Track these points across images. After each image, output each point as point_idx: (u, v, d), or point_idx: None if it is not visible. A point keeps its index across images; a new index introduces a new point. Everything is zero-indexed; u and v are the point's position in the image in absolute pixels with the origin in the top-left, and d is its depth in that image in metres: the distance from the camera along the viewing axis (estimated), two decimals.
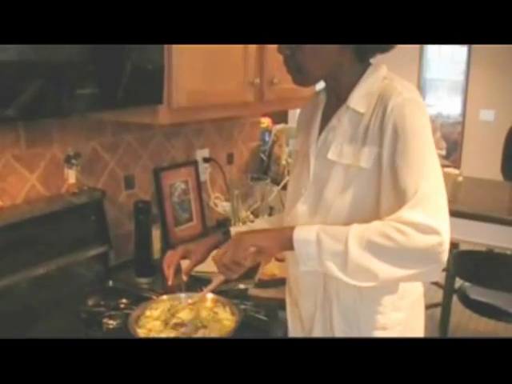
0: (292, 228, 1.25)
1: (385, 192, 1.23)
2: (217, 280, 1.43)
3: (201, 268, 1.74)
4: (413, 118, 1.21)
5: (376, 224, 1.18)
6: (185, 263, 1.55)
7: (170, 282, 1.52)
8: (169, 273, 1.52)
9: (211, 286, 1.47)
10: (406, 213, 1.15)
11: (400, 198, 1.18)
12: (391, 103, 1.23)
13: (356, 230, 1.18)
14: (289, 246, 1.24)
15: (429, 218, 1.13)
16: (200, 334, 1.47)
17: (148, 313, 1.57)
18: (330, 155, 1.32)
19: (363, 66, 1.34)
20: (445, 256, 1.14)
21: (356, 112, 1.30)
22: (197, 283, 1.70)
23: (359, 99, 1.31)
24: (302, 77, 1.33)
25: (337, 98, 1.37)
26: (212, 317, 1.56)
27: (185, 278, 1.53)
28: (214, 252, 1.42)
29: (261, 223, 1.64)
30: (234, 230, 1.57)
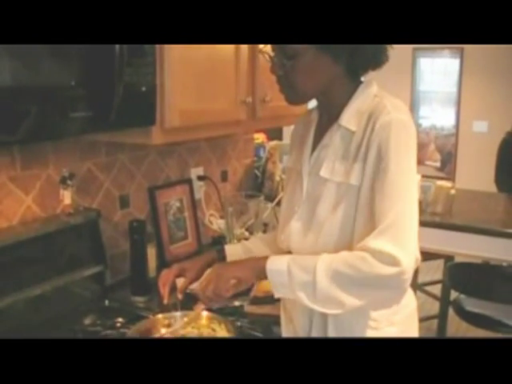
0: (266, 258, 1.30)
1: (361, 209, 1.26)
2: (198, 309, 1.52)
3: (196, 286, 1.75)
4: (397, 140, 1.23)
5: (343, 254, 1.22)
6: (180, 281, 1.56)
7: (165, 301, 1.53)
8: (164, 291, 1.53)
9: (193, 314, 1.56)
10: (371, 240, 1.19)
11: (372, 220, 1.22)
12: (379, 121, 1.25)
13: (323, 261, 1.22)
14: (263, 275, 1.29)
15: (392, 247, 1.17)
16: None
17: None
18: (323, 173, 1.34)
19: (354, 83, 1.36)
20: (406, 284, 1.20)
21: (347, 130, 1.32)
22: (192, 301, 1.71)
23: (350, 117, 1.33)
24: (294, 95, 1.35)
25: (329, 116, 1.39)
26: (210, 334, 1.57)
27: (180, 296, 1.54)
28: (207, 271, 1.45)
29: (255, 241, 1.65)
30: (228, 247, 1.59)
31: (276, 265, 1.27)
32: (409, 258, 1.18)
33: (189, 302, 1.68)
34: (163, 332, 1.57)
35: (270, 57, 1.34)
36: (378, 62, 1.33)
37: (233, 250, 1.59)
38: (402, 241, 1.19)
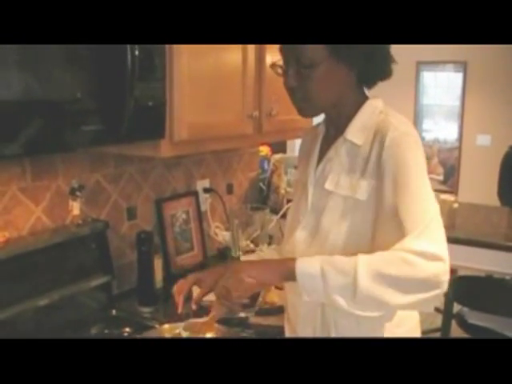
0: (294, 260, 1.25)
1: (383, 224, 1.27)
2: (219, 311, 1.46)
3: (210, 297, 1.77)
4: (410, 154, 1.26)
5: (383, 254, 1.19)
6: (196, 291, 1.56)
7: (179, 310, 1.52)
8: (179, 300, 1.51)
9: (212, 316, 1.50)
10: (411, 242, 1.18)
11: (400, 229, 1.22)
12: (388, 138, 1.27)
13: (364, 262, 1.18)
14: (291, 277, 1.24)
15: (434, 246, 1.17)
16: None
17: None
18: (327, 185, 1.37)
19: (362, 97, 1.39)
20: (446, 283, 1.17)
21: (353, 144, 1.35)
22: (205, 312, 1.74)
23: (356, 131, 1.35)
24: (308, 107, 1.36)
25: (335, 130, 1.42)
26: None
27: (194, 306, 1.54)
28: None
29: (271, 252, 1.66)
30: (244, 258, 1.60)
31: (307, 268, 1.23)
32: (446, 253, 1.18)
33: (200, 312, 1.71)
34: None
35: (282, 69, 1.36)
36: (386, 72, 1.36)
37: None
38: (439, 240, 1.19)
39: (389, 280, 1.17)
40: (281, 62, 1.36)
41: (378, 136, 1.30)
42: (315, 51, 1.28)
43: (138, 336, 1.62)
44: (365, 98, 1.40)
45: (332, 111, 1.41)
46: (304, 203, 1.44)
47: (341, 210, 1.33)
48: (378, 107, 1.37)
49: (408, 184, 1.24)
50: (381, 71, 1.36)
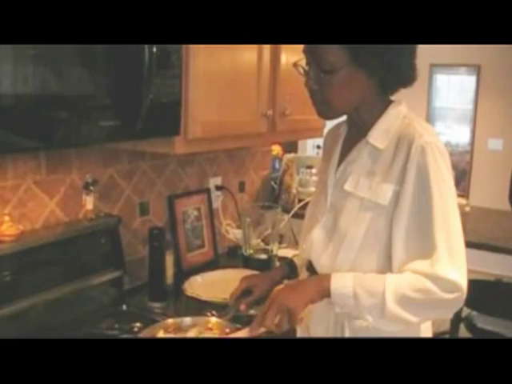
0: (328, 279, 1.32)
1: (399, 231, 1.29)
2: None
3: (210, 293, 1.79)
4: (436, 165, 1.27)
5: (409, 278, 1.27)
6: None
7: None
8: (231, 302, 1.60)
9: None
10: (436, 267, 1.24)
11: (423, 245, 1.27)
12: (414, 146, 1.28)
13: (391, 285, 1.26)
14: (327, 295, 1.32)
15: (455, 273, 1.24)
16: None
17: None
18: (347, 187, 1.38)
19: (385, 102, 1.39)
20: (462, 304, 1.28)
21: (375, 148, 1.35)
22: (203, 306, 1.76)
23: (378, 135, 1.36)
24: (328, 110, 1.37)
25: (357, 132, 1.42)
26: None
27: (243, 307, 1.57)
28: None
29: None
30: (296, 260, 1.63)
31: (341, 288, 1.30)
32: (465, 280, 1.25)
33: (202, 308, 1.73)
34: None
35: (304, 70, 1.36)
36: (408, 79, 1.36)
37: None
38: (460, 265, 1.25)
39: (412, 304, 1.26)
40: (303, 63, 1.36)
41: (404, 142, 1.30)
42: (335, 57, 1.28)
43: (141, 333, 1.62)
44: (388, 102, 1.40)
45: (353, 114, 1.41)
46: (323, 203, 1.45)
47: (358, 212, 1.35)
48: (401, 112, 1.38)
49: (432, 200, 1.26)
50: (402, 79, 1.36)
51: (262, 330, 1.38)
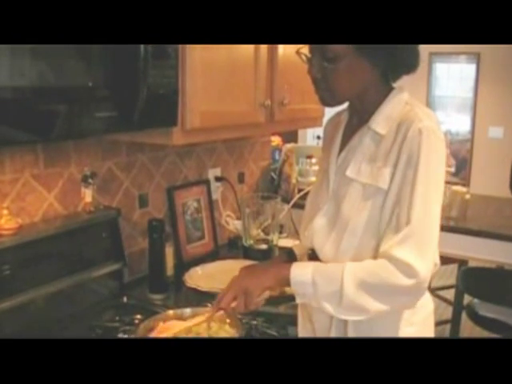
0: (289, 267, 1.34)
1: (385, 212, 1.30)
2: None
3: (211, 285, 1.79)
4: (428, 149, 1.26)
5: (367, 263, 1.29)
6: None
7: None
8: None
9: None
10: (394, 248, 1.24)
11: (395, 224, 1.27)
12: (412, 129, 1.27)
13: (349, 271, 1.27)
14: (287, 283, 1.34)
15: (413, 257, 1.23)
16: None
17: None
18: (349, 173, 1.37)
19: (387, 88, 1.39)
20: (422, 291, 1.28)
21: (377, 133, 1.35)
22: (204, 298, 1.76)
23: (380, 121, 1.35)
24: (331, 98, 1.37)
25: (358, 119, 1.42)
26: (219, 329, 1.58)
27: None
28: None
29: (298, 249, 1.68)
30: (295, 249, 1.63)
31: (300, 276, 1.32)
32: (427, 268, 1.24)
33: (201, 299, 1.74)
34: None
35: (307, 58, 1.36)
36: (412, 66, 1.35)
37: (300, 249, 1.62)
38: (422, 250, 1.24)
39: (370, 288, 1.26)
40: (306, 50, 1.36)
41: (403, 127, 1.30)
42: (339, 45, 1.27)
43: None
44: (390, 88, 1.39)
45: (356, 101, 1.41)
46: (325, 190, 1.45)
47: (361, 198, 1.34)
48: (403, 98, 1.37)
49: (414, 181, 1.26)
50: (406, 67, 1.36)
51: (221, 312, 1.43)
